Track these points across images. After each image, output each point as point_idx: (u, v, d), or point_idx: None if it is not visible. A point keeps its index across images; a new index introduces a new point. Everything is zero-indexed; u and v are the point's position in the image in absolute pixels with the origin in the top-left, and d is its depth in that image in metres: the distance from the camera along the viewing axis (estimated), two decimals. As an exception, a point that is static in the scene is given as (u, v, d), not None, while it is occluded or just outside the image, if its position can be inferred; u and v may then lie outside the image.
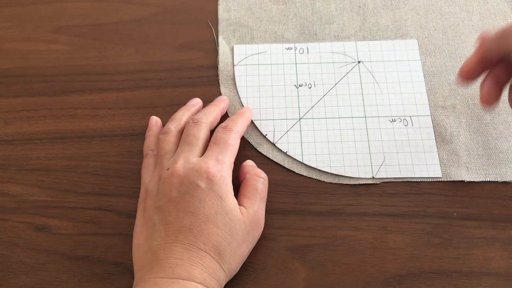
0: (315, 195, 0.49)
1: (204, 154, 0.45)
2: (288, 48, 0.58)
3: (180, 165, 0.44)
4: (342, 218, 0.48)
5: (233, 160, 0.46)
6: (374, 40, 0.58)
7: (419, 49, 0.57)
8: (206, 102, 0.53)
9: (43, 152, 0.52)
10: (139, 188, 0.47)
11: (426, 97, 0.54)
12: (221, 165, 0.44)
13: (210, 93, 0.55)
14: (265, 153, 0.52)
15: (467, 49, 0.57)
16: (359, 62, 0.57)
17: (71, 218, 0.48)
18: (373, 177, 0.50)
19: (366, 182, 0.50)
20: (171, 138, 0.48)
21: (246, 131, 0.52)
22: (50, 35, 0.59)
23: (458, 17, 0.59)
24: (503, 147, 0.51)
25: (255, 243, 0.45)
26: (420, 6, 0.60)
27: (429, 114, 0.53)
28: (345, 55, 0.57)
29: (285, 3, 0.61)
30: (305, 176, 0.50)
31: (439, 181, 0.50)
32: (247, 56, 0.57)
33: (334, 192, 0.50)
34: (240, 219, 0.43)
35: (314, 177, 0.50)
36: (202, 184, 0.43)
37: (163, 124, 0.52)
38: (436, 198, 0.49)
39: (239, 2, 0.61)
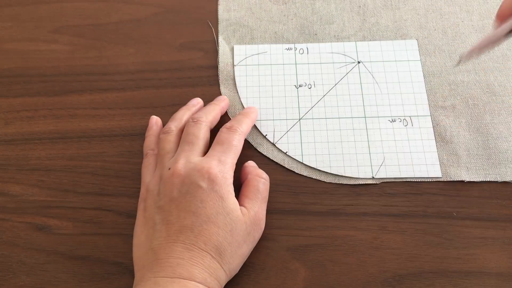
0: (315, 195, 0.49)
1: (207, 154, 0.45)
2: (288, 49, 0.58)
3: (182, 164, 0.44)
4: (342, 218, 0.48)
5: (235, 161, 0.46)
6: (374, 40, 0.58)
7: (419, 49, 0.57)
8: (206, 102, 0.53)
9: (43, 152, 0.52)
10: (139, 188, 0.47)
11: (426, 97, 0.54)
12: (223, 165, 0.44)
13: (210, 93, 0.55)
14: (265, 153, 0.52)
15: (467, 49, 0.57)
16: (359, 62, 0.57)
17: (71, 218, 0.49)
18: (373, 177, 0.50)
19: (366, 182, 0.50)
20: (171, 137, 0.48)
21: (246, 132, 0.52)
22: (50, 35, 0.59)
23: (458, 17, 0.59)
24: (503, 147, 0.51)
25: (255, 243, 0.45)
26: (420, 6, 0.60)
27: (429, 114, 0.53)
28: (345, 55, 0.57)
29: (285, 3, 0.61)
30: (305, 176, 0.50)
31: (439, 181, 0.50)
32: (247, 57, 0.57)
33: (334, 192, 0.50)
34: (241, 220, 0.43)
35: (314, 177, 0.50)
36: (204, 184, 0.43)
37: (163, 124, 0.52)
38: (436, 198, 0.49)
39: (239, 2, 0.61)
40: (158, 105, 0.54)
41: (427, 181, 0.50)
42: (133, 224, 0.46)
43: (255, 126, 0.53)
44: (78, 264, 0.46)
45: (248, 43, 0.58)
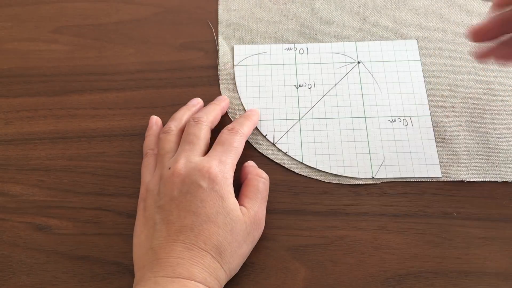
0: (315, 195, 0.49)
1: (208, 154, 0.46)
2: (288, 49, 0.58)
3: (182, 164, 0.44)
4: (342, 218, 0.48)
5: (236, 162, 0.46)
6: (374, 40, 0.58)
7: (418, 49, 0.57)
8: (206, 102, 0.53)
9: (43, 152, 0.52)
10: (139, 188, 0.47)
11: (426, 97, 0.54)
12: (223, 166, 0.44)
13: (210, 93, 0.55)
14: (265, 153, 0.52)
15: (467, 49, 0.57)
16: (359, 62, 0.57)
17: (71, 218, 0.49)
18: (373, 177, 0.50)
19: (366, 182, 0.50)
20: (172, 137, 0.48)
21: (246, 132, 0.52)
22: (50, 35, 0.59)
23: (458, 17, 0.59)
24: (503, 147, 0.51)
25: (255, 243, 0.45)
26: (420, 6, 0.60)
27: (429, 114, 0.53)
28: (345, 55, 0.57)
29: (285, 3, 0.61)
30: (305, 176, 0.50)
31: (439, 181, 0.50)
32: (247, 57, 0.57)
33: (334, 192, 0.50)
34: (241, 219, 0.43)
35: (314, 177, 0.50)
36: (204, 184, 0.43)
37: (163, 124, 0.52)
38: (436, 198, 0.49)
39: (239, 2, 0.61)
40: (158, 105, 0.54)
41: (427, 181, 0.50)
42: (133, 224, 0.46)
43: (255, 126, 0.53)
44: (78, 264, 0.46)
45: (248, 43, 0.58)
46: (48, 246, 0.47)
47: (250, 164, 0.49)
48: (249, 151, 0.52)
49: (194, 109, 0.52)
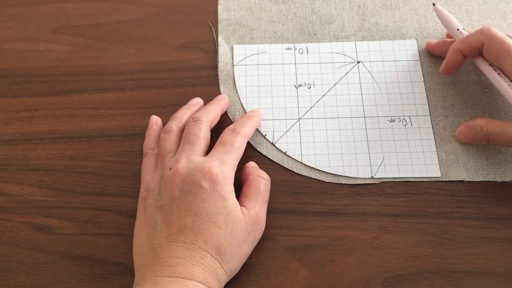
0: (315, 195, 0.49)
1: (209, 154, 0.46)
2: (288, 48, 0.58)
3: (183, 164, 0.44)
4: (342, 218, 0.48)
5: (237, 162, 0.46)
6: (373, 40, 0.58)
7: (418, 49, 0.57)
8: (206, 102, 0.53)
9: (43, 152, 0.52)
10: (139, 188, 0.47)
11: (426, 97, 0.54)
12: (224, 166, 0.44)
13: (210, 93, 0.55)
14: (264, 153, 0.52)
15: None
16: (358, 62, 0.57)
17: (71, 218, 0.49)
18: (372, 177, 0.50)
19: (365, 182, 0.50)
20: (172, 137, 0.48)
21: (246, 131, 0.52)
22: (50, 35, 0.59)
23: (457, 17, 0.59)
24: (502, 147, 0.51)
25: (256, 244, 0.45)
26: (420, 6, 0.60)
27: (429, 114, 0.53)
28: (344, 55, 0.57)
29: (285, 3, 0.61)
30: (305, 176, 0.50)
31: (438, 181, 0.50)
32: (247, 56, 0.57)
33: (334, 192, 0.50)
34: (242, 220, 0.43)
35: (313, 176, 0.50)
36: (205, 184, 0.43)
37: (164, 124, 0.52)
38: (435, 198, 0.49)
39: (238, 2, 0.61)
40: (158, 105, 0.54)
41: (427, 181, 0.50)
42: (133, 224, 0.46)
43: (255, 127, 0.53)
44: (78, 264, 0.46)
45: (248, 43, 0.58)
46: (48, 246, 0.47)
47: (251, 165, 0.50)
48: (249, 151, 0.52)
49: (194, 108, 0.52)
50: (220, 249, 0.41)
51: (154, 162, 0.48)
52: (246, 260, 0.45)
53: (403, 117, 0.53)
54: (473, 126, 0.50)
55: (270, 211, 0.48)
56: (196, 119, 0.48)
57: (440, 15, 0.55)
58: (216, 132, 0.49)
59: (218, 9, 0.61)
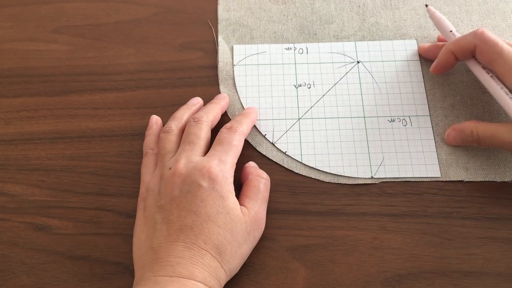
0: (314, 195, 0.50)
1: (207, 154, 0.46)
2: (288, 48, 0.58)
3: (183, 164, 0.44)
4: (342, 218, 0.48)
5: (235, 160, 0.46)
6: (373, 40, 0.58)
7: (418, 49, 0.57)
8: (206, 102, 0.53)
9: (43, 152, 0.52)
10: (139, 187, 0.47)
11: (425, 97, 0.54)
12: (223, 165, 0.44)
13: (210, 93, 0.55)
14: (264, 153, 0.52)
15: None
16: (358, 62, 0.57)
17: (71, 218, 0.49)
18: (372, 177, 0.50)
19: (365, 182, 0.50)
20: (172, 137, 0.48)
21: (246, 131, 0.52)
22: (50, 35, 0.59)
23: (457, 17, 0.59)
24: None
25: (256, 243, 0.45)
26: (420, 6, 0.60)
27: (428, 114, 0.53)
28: (344, 55, 0.57)
29: (285, 3, 0.61)
30: (305, 176, 0.50)
31: (438, 181, 0.50)
32: (247, 56, 0.57)
33: (334, 192, 0.50)
34: (241, 219, 0.43)
35: (313, 176, 0.50)
36: (204, 183, 0.43)
37: (164, 123, 0.52)
38: (435, 198, 0.49)
39: (238, 2, 0.61)
40: (158, 105, 0.54)
41: (427, 181, 0.50)
42: (133, 224, 0.46)
43: (254, 126, 0.53)
44: (78, 264, 0.46)
45: (248, 43, 0.58)
46: (48, 246, 0.47)
47: (251, 164, 0.50)
48: (249, 151, 0.52)
49: (194, 108, 0.52)
50: (219, 248, 0.41)
51: (154, 162, 0.48)
52: (246, 260, 0.45)
53: (403, 117, 0.53)
54: (462, 129, 0.50)
55: (270, 211, 0.48)
56: (196, 119, 0.48)
57: (432, 17, 0.55)
58: (216, 131, 0.48)
59: (218, 9, 0.61)
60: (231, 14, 0.60)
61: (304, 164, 0.51)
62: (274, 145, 0.52)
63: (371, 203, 0.49)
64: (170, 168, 0.44)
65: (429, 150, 0.51)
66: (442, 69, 0.53)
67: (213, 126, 0.50)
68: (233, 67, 0.57)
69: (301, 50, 0.58)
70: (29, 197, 0.50)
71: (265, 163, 0.51)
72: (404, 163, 0.51)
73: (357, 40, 0.58)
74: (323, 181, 0.50)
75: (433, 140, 0.52)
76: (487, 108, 0.53)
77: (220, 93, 0.55)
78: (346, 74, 0.56)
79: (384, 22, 0.59)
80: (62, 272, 0.46)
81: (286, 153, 0.52)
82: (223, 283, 0.43)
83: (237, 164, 0.47)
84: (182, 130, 0.49)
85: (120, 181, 0.50)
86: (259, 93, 0.55)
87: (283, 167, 0.51)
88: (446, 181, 0.50)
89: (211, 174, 0.43)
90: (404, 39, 0.58)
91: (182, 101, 0.53)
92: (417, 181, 0.50)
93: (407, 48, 0.58)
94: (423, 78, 0.56)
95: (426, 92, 0.55)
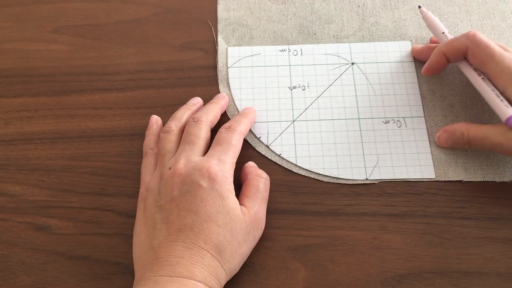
0: (314, 195, 0.50)
1: (207, 154, 0.46)
2: (282, 50, 0.58)
3: (182, 164, 0.44)
4: (342, 218, 0.48)
5: (235, 160, 0.46)
6: (373, 40, 0.58)
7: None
8: (206, 102, 0.53)
9: (43, 152, 0.52)
10: (139, 187, 0.47)
11: (420, 98, 0.54)
12: (223, 164, 0.44)
13: (210, 93, 0.55)
14: (264, 153, 0.52)
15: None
16: (352, 63, 0.57)
17: (71, 218, 0.49)
18: (367, 178, 0.50)
19: (364, 182, 0.50)
20: (172, 137, 0.48)
21: (245, 131, 0.52)
22: (50, 35, 0.59)
23: (457, 17, 0.59)
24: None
25: (256, 243, 0.45)
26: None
27: (423, 115, 0.53)
28: (338, 56, 0.57)
29: (284, 3, 0.61)
30: (305, 176, 0.50)
31: (438, 181, 0.50)
32: (241, 58, 0.57)
33: (334, 192, 0.50)
34: (241, 218, 0.43)
35: (312, 176, 0.50)
36: (204, 183, 0.43)
37: (164, 123, 0.52)
38: (435, 198, 0.49)
39: (238, 2, 0.61)
40: (158, 105, 0.54)
41: (427, 181, 0.50)
42: (133, 224, 0.46)
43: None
44: (78, 264, 0.46)
45: (247, 43, 0.58)
46: (48, 246, 0.47)
47: (251, 164, 0.50)
48: (249, 151, 0.52)
49: (193, 108, 0.52)
50: (219, 248, 0.41)
51: (153, 162, 0.48)
52: (246, 260, 0.45)
53: (397, 119, 0.53)
54: (453, 131, 0.50)
55: (270, 211, 0.48)
56: (196, 119, 0.48)
57: (425, 18, 0.55)
58: (216, 131, 0.48)
59: (218, 9, 0.61)
60: (230, 14, 0.60)
61: (299, 167, 0.51)
62: (268, 147, 0.52)
63: (371, 203, 0.49)
64: (169, 168, 0.45)
65: (423, 151, 0.51)
66: (434, 70, 0.53)
67: (213, 126, 0.50)
68: (227, 69, 0.56)
69: (295, 51, 0.58)
70: (29, 197, 0.50)
71: (265, 163, 0.51)
72: (399, 164, 0.51)
73: (357, 40, 0.58)
74: (322, 181, 0.50)
75: (428, 141, 0.52)
76: (486, 108, 0.54)
77: (219, 93, 0.55)
78: (340, 76, 0.56)
79: (383, 22, 0.59)
80: (62, 272, 0.46)
81: (281, 155, 0.51)
82: (223, 282, 0.43)
83: (236, 164, 0.47)
84: (182, 130, 0.49)
85: (120, 181, 0.50)
86: (254, 95, 0.55)
87: (283, 167, 0.51)
88: (446, 181, 0.50)
89: (210, 174, 0.43)
90: (404, 39, 0.58)
91: (182, 101, 0.53)
92: (417, 181, 0.50)
93: (401, 49, 0.58)
94: (417, 79, 0.56)
95: (420, 93, 0.55)
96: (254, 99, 0.55)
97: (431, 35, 0.58)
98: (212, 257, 0.41)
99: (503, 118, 0.46)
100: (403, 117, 0.53)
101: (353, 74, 0.56)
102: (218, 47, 0.58)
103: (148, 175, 0.47)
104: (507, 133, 0.46)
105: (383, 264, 0.46)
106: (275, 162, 0.51)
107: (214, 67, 0.57)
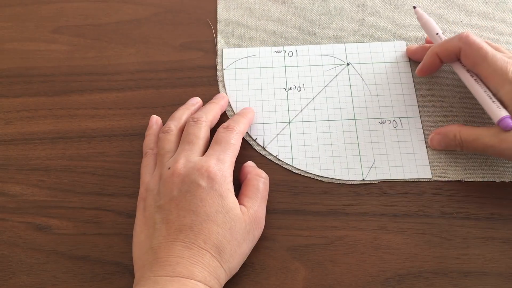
0: (314, 195, 0.50)
1: (206, 154, 0.46)
2: (277, 51, 0.58)
3: (182, 164, 0.44)
4: (342, 218, 0.48)
5: (234, 159, 0.46)
6: (373, 40, 0.58)
7: (407, 50, 0.58)
8: (206, 102, 0.53)
9: (43, 152, 0.52)
10: (139, 187, 0.47)
11: (415, 98, 0.54)
12: (222, 164, 0.44)
13: (209, 93, 0.55)
14: (263, 153, 0.52)
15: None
16: (348, 64, 0.57)
17: (71, 218, 0.49)
18: (363, 179, 0.50)
19: (364, 183, 0.50)
20: (171, 137, 0.48)
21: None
22: (50, 35, 0.59)
23: (457, 17, 0.59)
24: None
25: (255, 242, 0.45)
26: (419, 6, 0.60)
27: (419, 115, 0.53)
28: (334, 57, 0.57)
29: (284, 3, 0.61)
30: (305, 176, 0.51)
31: (438, 181, 0.50)
32: (236, 60, 0.57)
33: (334, 192, 0.50)
34: (241, 218, 0.43)
35: (312, 176, 0.50)
36: (203, 183, 0.43)
37: (163, 124, 0.52)
38: (435, 198, 0.49)
39: (238, 2, 0.61)
40: (158, 105, 0.54)
41: (427, 181, 0.50)
42: (133, 224, 0.46)
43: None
44: (78, 264, 0.46)
45: (247, 43, 0.58)
46: (48, 246, 0.47)
47: (250, 164, 0.50)
48: (249, 151, 0.52)
49: (193, 108, 0.52)
50: (219, 247, 0.41)
51: (153, 162, 0.48)
52: (246, 260, 0.45)
53: (393, 119, 0.53)
54: (445, 133, 0.50)
55: (270, 211, 0.48)
56: (196, 119, 0.48)
57: (420, 19, 0.55)
58: (215, 131, 0.48)
59: (218, 9, 0.61)
60: (230, 13, 0.60)
61: (296, 168, 0.51)
62: (265, 149, 0.52)
63: (371, 203, 0.49)
64: (169, 168, 0.45)
65: (419, 151, 0.52)
66: (428, 71, 0.53)
67: (212, 126, 0.50)
68: (223, 71, 0.56)
69: (290, 52, 0.58)
70: (29, 197, 0.50)
71: (265, 162, 0.51)
72: (395, 164, 0.51)
73: (357, 41, 0.58)
74: (322, 181, 0.50)
75: (424, 141, 0.52)
76: (486, 108, 0.54)
77: (219, 93, 0.55)
78: (336, 77, 0.56)
79: (383, 22, 0.59)
80: (62, 272, 0.46)
81: (277, 157, 0.51)
82: (223, 282, 0.43)
83: (236, 163, 0.47)
84: (181, 130, 0.49)
85: (120, 181, 0.50)
86: (249, 97, 0.55)
87: (283, 167, 0.51)
88: (445, 181, 0.50)
89: (209, 174, 0.43)
90: (404, 39, 0.58)
91: (182, 101, 0.53)
92: (417, 181, 0.50)
93: (396, 49, 0.58)
94: (413, 79, 0.56)
95: (420, 93, 0.55)
96: (250, 100, 0.55)
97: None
98: (211, 257, 0.41)
99: (495, 120, 0.46)
100: (399, 117, 0.53)
101: (349, 74, 0.56)
102: (218, 47, 0.58)
103: (148, 175, 0.47)
104: (499, 134, 0.46)
105: (383, 264, 0.46)
106: (275, 162, 0.51)
107: (214, 67, 0.57)
